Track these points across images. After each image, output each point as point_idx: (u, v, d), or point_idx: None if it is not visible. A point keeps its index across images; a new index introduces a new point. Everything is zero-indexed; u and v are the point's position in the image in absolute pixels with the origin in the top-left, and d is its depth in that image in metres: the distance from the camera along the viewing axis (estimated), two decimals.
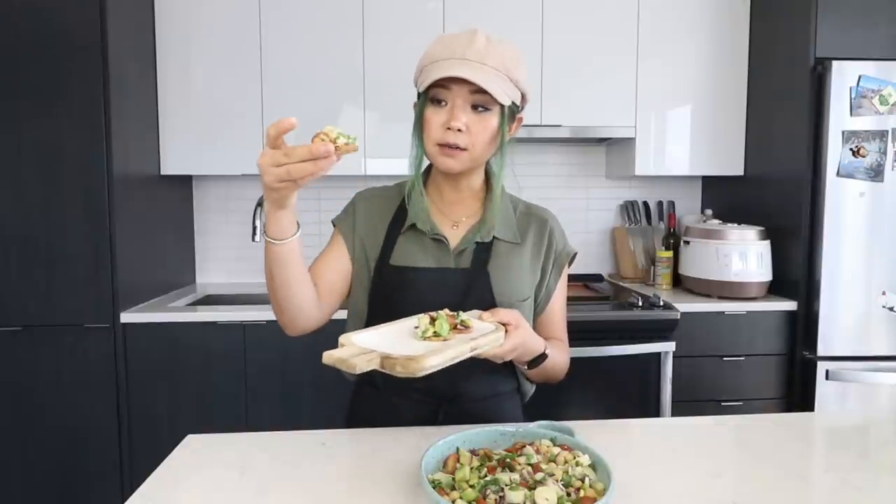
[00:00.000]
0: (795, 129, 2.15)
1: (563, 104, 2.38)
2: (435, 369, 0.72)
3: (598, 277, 2.70)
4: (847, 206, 2.07)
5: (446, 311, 0.84)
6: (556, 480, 0.70)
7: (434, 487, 0.68)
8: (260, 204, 2.39)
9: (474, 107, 0.94)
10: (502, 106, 0.95)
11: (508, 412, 1.07)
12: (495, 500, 0.65)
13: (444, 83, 0.93)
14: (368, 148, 2.36)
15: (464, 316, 0.84)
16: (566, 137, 2.47)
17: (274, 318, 2.05)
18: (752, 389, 2.19)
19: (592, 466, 0.74)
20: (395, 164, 2.38)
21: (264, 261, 0.91)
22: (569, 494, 0.68)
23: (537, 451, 0.77)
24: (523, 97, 1.01)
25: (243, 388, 2.07)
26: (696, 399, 2.16)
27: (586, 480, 0.71)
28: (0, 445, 1.99)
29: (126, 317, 2.01)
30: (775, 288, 2.27)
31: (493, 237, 1.03)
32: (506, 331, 0.85)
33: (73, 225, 1.96)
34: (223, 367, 2.05)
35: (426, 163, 1.02)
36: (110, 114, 1.95)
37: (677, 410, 2.10)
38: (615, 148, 2.66)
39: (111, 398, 2.01)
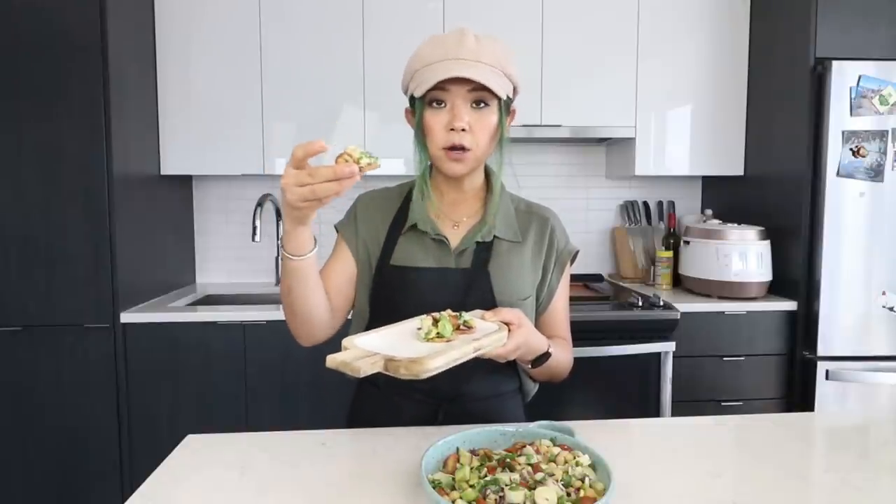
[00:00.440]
0: (795, 129, 2.15)
1: (563, 104, 2.38)
2: (439, 371, 0.72)
3: (598, 277, 2.70)
4: (847, 206, 2.07)
5: (449, 311, 0.84)
6: (556, 480, 0.69)
7: (434, 487, 0.68)
8: (260, 204, 2.39)
9: (474, 104, 0.95)
10: (500, 101, 0.96)
11: (510, 412, 1.07)
12: (495, 500, 0.65)
13: (442, 84, 0.93)
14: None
15: (466, 316, 0.84)
16: (566, 137, 2.47)
17: (274, 318, 2.06)
18: (752, 389, 2.19)
19: (592, 466, 0.74)
20: (395, 164, 2.39)
21: (281, 276, 0.92)
22: (569, 494, 0.68)
23: (537, 451, 0.77)
24: (515, 90, 1.02)
25: (243, 388, 2.07)
26: (696, 399, 2.16)
27: (586, 480, 0.71)
28: (0, 445, 2.00)
29: (126, 317, 2.01)
30: (775, 288, 2.27)
31: (494, 236, 1.03)
32: (509, 330, 0.85)
33: (73, 225, 1.96)
34: (223, 367, 2.05)
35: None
36: (110, 114, 1.95)
37: (677, 410, 2.10)
38: (615, 148, 2.66)
39: (111, 398, 2.01)
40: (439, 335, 0.80)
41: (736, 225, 2.28)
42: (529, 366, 0.98)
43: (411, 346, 0.78)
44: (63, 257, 1.96)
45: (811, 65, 2.09)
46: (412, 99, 1.00)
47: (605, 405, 2.06)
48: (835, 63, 2.04)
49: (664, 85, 2.41)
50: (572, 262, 1.11)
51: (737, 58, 2.43)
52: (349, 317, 1.10)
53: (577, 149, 2.78)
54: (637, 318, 2.06)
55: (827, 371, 2.09)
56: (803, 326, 2.16)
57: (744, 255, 2.20)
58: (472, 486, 0.68)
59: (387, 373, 0.73)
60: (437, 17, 2.33)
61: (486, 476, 0.70)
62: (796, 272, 2.17)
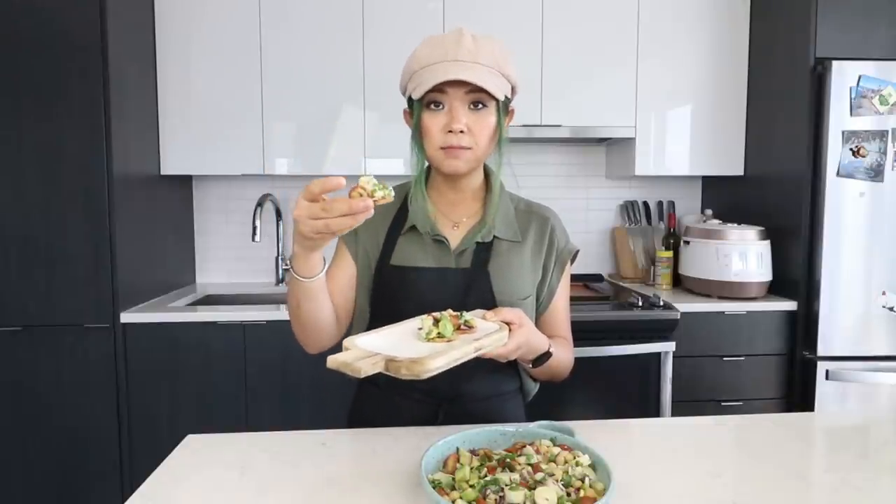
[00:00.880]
0: (795, 129, 2.15)
1: (563, 104, 2.38)
2: (440, 371, 0.72)
3: (598, 277, 2.70)
4: (847, 206, 2.07)
5: (450, 311, 0.85)
6: (556, 480, 0.69)
7: (434, 487, 0.68)
8: (260, 204, 2.39)
9: (472, 105, 0.95)
10: (498, 101, 0.96)
11: (511, 412, 1.07)
12: (495, 500, 0.65)
13: (440, 86, 0.93)
14: (368, 148, 2.37)
15: (467, 316, 0.84)
16: (566, 137, 2.47)
17: (274, 318, 2.06)
18: (752, 389, 2.19)
19: (592, 466, 0.74)
20: (395, 164, 2.39)
21: (290, 293, 0.93)
22: (569, 494, 0.68)
23: (537, 451, 0.77)
24: (513, 90, 1.02)
25: (243, 388, 2.07)
26: (696, 399, 2.16)
27: (586, 480, 0.71)
28: (0, 445, 1.99)
29: (126, 317, 2.01)
30: (775, 288, 2.27)
31: (494, 236, 1.03)
32: (509, 330, 0.85)
33: (73, 225, 1.96)
34: (223, 367, 2.05)
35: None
36: (110, 114, 1.95)
37: (677, 410, 2.10)
38: (615, 148, 2.66)
39: (111, 398, 2.01)
40: (440, 335, 0.80)
41: (736, 225, 2.28)
42: (530, 365, 0.98)
43: (412, 346, 0.78)
44: (63, 257, 1.96)
45: (811, 65, 2.09)
46: (410, 100, 1.00)
47: (605, 405, 2.06)
48: (835, 63, 2.04)
49: (664, 85, 2.41)
50: (572, 261, 1.11)
51: (737, 58, 2.43)
52: None
53: (577, 149, 2.78)
54: (637, 318, 2.06)
55: (827, 371, 2.09)
56: (803, 326, 2.16)
57: (744, 255, 2.20)
58: (472, 486, 0.68)
59: (388, 373, 0.73)
60: (437, 17, 2.33)
61: (486, 476, 0.70)
62: (796, 272, 2.16)
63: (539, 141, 2.64)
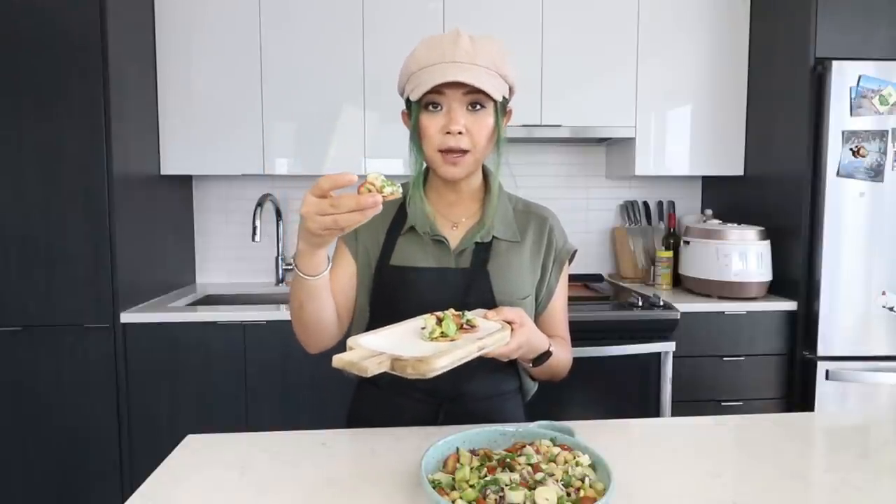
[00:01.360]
0: (795, 129, 2.15)
1: (563, 104, 2.38)
2: (444, 370, 0.72)
3: (598, 277, 2.70)
4: (847, 206, 2.07)
5: (452, 310, 0.85)
6: (556, 480, 0.70)
7: (434, 487, 0.68)
8: (260, 204, 2.39)
9: (470, 106, 0.95)
10: (496, 102, 0.96)
11: (510, 412, 1.07)
12: (495, 500, 0.65)
13: (438, 87, 0.93)
14: (368, 148, 2.37)
15: (469, 315, 0.85)
16: (566, 137, 2.47)
17: (274, 318, 2.05)
18: (752, 389, 2.19)
19: (592, 466, 0.74)
20: (395, 163, 2.39)
21: (292, 293, 0.93)
22: (569, 494, 0.68)
23: (537, 451, 0.77)
24: (511, 90, 1.02)
25: (243, 388, 2.07)
26: (696, 399, 2.16)
27: (586, 480, 0.71)
28: (0, 445, 1.99)
29: (126, 317, 2.01)
30: (775, 288, 2.27)
31: (493, 237, 1.03)
32: (511, 329, 0.85)
33: (73, 225, 1.96)
34: (223, 367, 2.05)
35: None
36: (110, 114, 1.95)
37: (677, 410, 2.10)
38: (615, 148, 2.66)
39: (111, 398, 2.01)
40: (443, 334, 0.80)
41: (736, 225, 2.28)
42: (530, 365, 0.98)
43: (416, 346, 0.78)
44: (63, 257, 1.96)
45: (811, 65, 2.09)
46: (408, 101, 1.00)
47: (605, 405, 2.06)
48: (835, 63, 2.04)
49: (664, 85, 2.41)
50: (570, 260, 1.12)
51: (737, 58, 2.43)
52: None
53: (577, 149, 2.78)
54: (637, 318, 2.06)
55: (827, 371, 2.09)
56: (803, 326, 2.16)
57: (744, 255, 2.20)
58: (472, 486, 0.68)
59: (393, 372, 0.73)
60: (437, 18, 2.33)
61: (486, 476, 0.70)
62: (796, 272, 2.16)
63: (539, 141, 2.64)
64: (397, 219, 1.06)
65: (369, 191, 0.74)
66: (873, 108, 2.04)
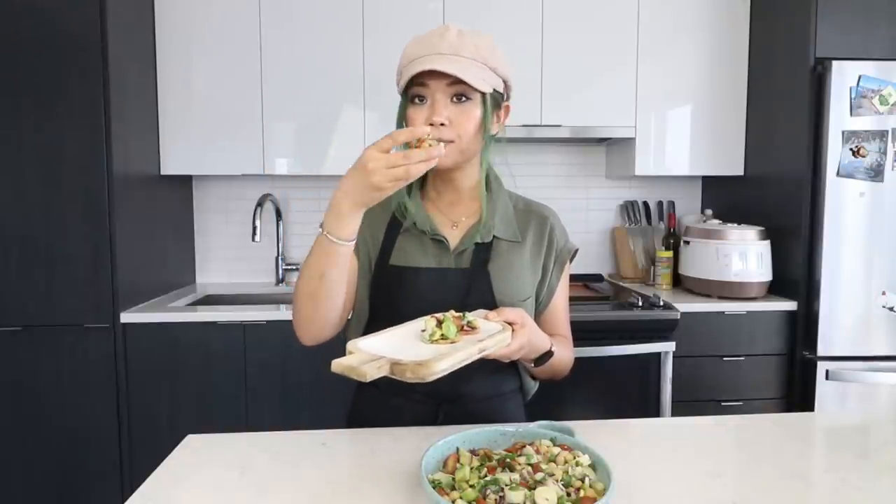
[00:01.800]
0: (795, 129, 2.15)
1: (563, 104, 2.38)
2: (444, 373, 0.72)
3: (598, 277, 2.70)
4: (847, 206, 2.07)
5: (452, 312, 0.85)
6: (556, 480, 0.69)
7: (434, 487, 0.68)
8: (260, 204, 2.39)
9: (455, 98, 0.94)
10: (483, 94, 0.95)
11: (510, 412, 1.07)
12: (495, 500, 0.65)
13: (422, 80, 0.93)
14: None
15: (470, 317, 0.84)
16: (566, 137, 2.47)
17: (274, 318, 2.05)
18: (752, 389, 2.19)
19: (592, 466, 0.74)
20: None
21: (312, 265, 0.88)
22: (569, 494, 0.68)
23: (537, 451, 0.77)
24: (507, 85, 1.01)
25: (243, 388, 2.07)
26: (696, 399, 2.16)
27: (586, 480, 0.71)
28: (0, 445, 1.99)
29: (126, 317, 2.01)
30: (775, 288, 2.27)
31: (494, 236, 1.03)
32: (512, 330, 0.85)
33: (73, 225, 1.96)
34: (223, 367, 2.05)
35: None
36: (110, 114, 1.95)
37: (677, 410, 2.10)
38: (615, 148, 2.66)
39: (111, 398, 2.01)
40: (443, 337, 0.80)
41: (736, 225, 2.28)
42: (532, 365, 0.98)
43: (416, 349, 0.78)
44: (63, 257, 1.96)
45: (811, 65, 2.09)
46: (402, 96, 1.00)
47: (605, 405, 2.06)
48: (835, 63, 2.04)
49: (664, 85, 2.41)
50: (571, 259, 1.11)
51: (737, 58, 2.43)
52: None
53: (577, 149, 2.78)
54: (637, 318, 2.06)
55: (827, 371, 2.09)
56: (803, 326, 2.16)
57: (744, 255, 2.20)
58: (472, 486, 0.68)
59: (393, 376, 0.73)
60: (437, 18, 2.33)
61: (486, 476, 0.70)
62: (796, 272, 2.16)
63: (539, 141, 2.64)
64: (397, 215, 1.05)
65: (430, 145, 0.80)
66: (873, 108, 2.04)
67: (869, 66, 2.04)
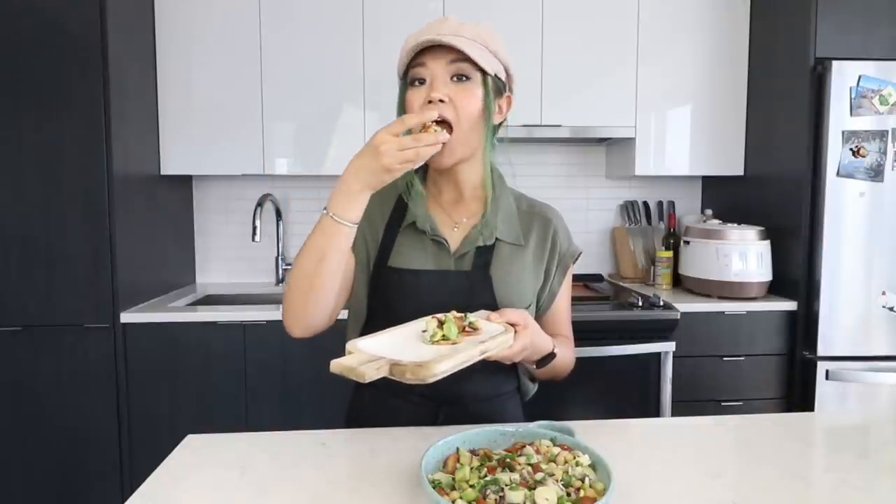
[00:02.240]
0: (795, 129, 2.15)
1: (563, 104, 2.38)
2: (445, 375, 0.72)
3: (598, 277, 2.70)
4: (847, 206, 2.07)
5: (454, 313, 0.84)
6: (556, 480, 0.69)
7: (434, 487, 0.68)
8: (260, 204, 2.39)
9: (456, 78, 0.93)
10: (485, 76, 0.94)
11: (510, 412, 1.06)
12: (495, 500, 0.65)
13: (422, 60, 0.92)
14: None
15: (472, 317, 0.83)
16: (566, 137, 2.47)
17: (274, 318, 2.04)
18: (752, 389, 2.19)
19: (592, 466, 0.74)
20: None
21: (312, 246, 0.87)
22: (569, 494, 0.68)
23: (537, 451, 0.77)
24: (508, 76, 1.00)
25: (243, 388, 2.07)
26: (696, 399, 2.16)
27: (586, 480, 0.70)
28: (0, 445, 1.99)
29: (126, 317, 2.01)
30: (775, 288, 2.27)
31: (496, 238, 1.00)
32: (514, 331, 0.84)
33: (73, 225, 1.96)
34: (223, 367, 2.05)
35: None
36: (110, 114, 1.95)
37: (677, 410, 2.10)
38: (615, 148, 2.66)
39: (111, 398, 2.01)
40: (444, 338, 0.79)
41: (736, 225, 2.28)
42: (534, 366, 0.97)
43: (416, 350, 0.77)
44: (63, 257, 1.96)
45: (811, 65, 2.09)
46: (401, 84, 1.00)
47: (605, 405, 2.06)
48: (835, 63, 2.04)
49: (664, 85, 2.41)
50: (574, 262, 1.10)
51: (737, 58, 2.43)
52: (344, 317, 1.07)
53: (577, 149, 2.78)
54: (637, 318, 2.06)
55: (827, 371, 2.09)
56: (803, 326, 2.16)
57: (744, 255, 2.20)
58: (472, 486, 0.68)
59: (392, 377, 0.72)
60: (437, 17, 2.33)
61: (486, 476, 0.70)
62: (796, 272, 2.17)
63: (539, 141, 2.64)
64: (397, 211, 1.03)
65: (435, 131, 0.85)
66: (873, 108, 2.04)
67: (869, 66, 2.04)
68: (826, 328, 2.09)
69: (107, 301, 1.99)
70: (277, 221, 2.65)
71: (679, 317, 2.08)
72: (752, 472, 0.84)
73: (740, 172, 2.47)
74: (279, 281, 2.65)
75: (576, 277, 2.60)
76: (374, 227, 1.03)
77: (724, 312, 2.17)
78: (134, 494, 0.76)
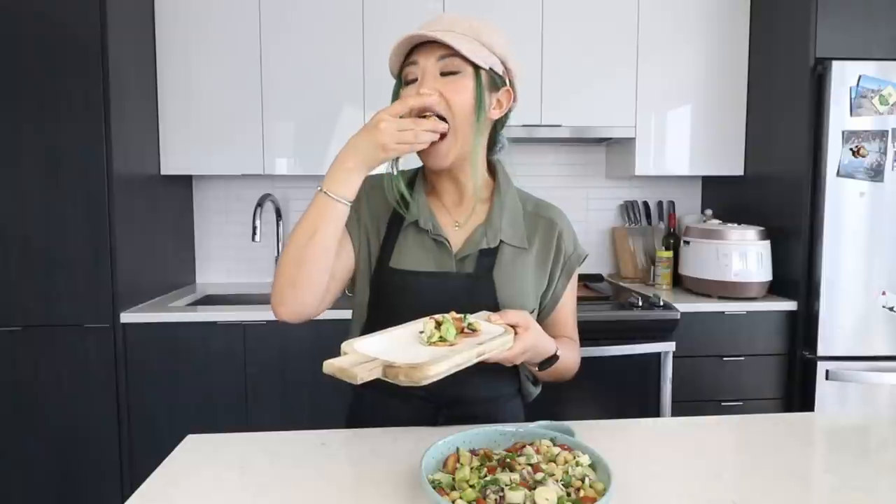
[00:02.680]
0: (795, 129, 2.15)
1: (563, 104, 2.38)
2: (439, 377, 0.70)
3: (598, 277, 2.70)
4: (847, 206, 2.07)
5: (453, 313, 0.82)
6: (556, 480, 0.69)
7: (434, 487, 0.68)
8: (260, 204, 2.39)
9: (444, 74, 0.91)
10: (477, 70, 0.92)
11: (510, 414, 1.04)
12: (495, 500, 0.65)
13: (413, 59, 0.92)
14: None
15: (471, 318, 0.82)
16: (566, 137, 2.47)
17: (274, 318, 2.04)
18: (752, 389, 2.19)
19: (592, 466, 0.74)
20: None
21: (305, 223, 0.87)
22: (569, 494, 0.68)
23: (537, 451, 0.77)
24: (507, 69, 0.97)
25: (243, 388, 2.07)
26: (696, 399, 2.16)
27: (586, 480, 0.70)
28: (0, 445, 1.99)
29: (126, 317, 2.01)
30: (775, 288, 2.27)
31: (500, 241, 0.99)
32: (515, 333, 0.83)
33: (73, 225, 1.96)
34: (223, 367, 2.05)
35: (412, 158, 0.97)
36: (110, 114, 1.95)
37: (677, 410, 2.10)
38: (615, 148, 2.66)
39: (111, 398, 2.01)
40: (442, 339, 0.78)
41: (736, 225, 2.28)
42: (536, 368, 0.96)
43: (413, 351, 0.76)
44: (63, 257, 1.96)
45: (811, 65, 2.09)
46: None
47: (605, 405, 2.06)
48: (835, 63, 2.04)
49: (664, 85, 2.41)
50: (580, 264, 1.08)
51: (737, 58, 2.43)
52: (346, 317, 1.07)
53: (577, 149, 2.78)
54: (637, 318, 2.06)
55: (827, 371, 2.09)
56: (803, 326, 2.16)
57: (744, 255, 2.20)
58: (472, 486, 0.68)
59: (386, 379, 0.71)
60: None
61: (486, 476, 0.70)
62: (796, 272, 2.16)
63: (539, 141, 2.64)
64: (398, 212, 1.01)
65: (437, 121, 0.88)
66: (873, 108, 2.04)
67: (869, 66, 2.04)
68: (826, 328, 2.09)
69: (107, 301, 1.99)
70: (277, 221, 2.65)
71: (679, 317, 2.08)
72: (752, 472, 0.84)
73: (740, 172, 2.47)
74: None
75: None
76: (376, 224, 1.02)
77: (724, 312, 2.17)
78: (134, 494, 0.76)
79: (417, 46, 0.93)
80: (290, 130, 2.35)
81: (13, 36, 1.90)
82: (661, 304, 2.08)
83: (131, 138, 2.11)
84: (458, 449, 0.78)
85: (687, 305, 2.14)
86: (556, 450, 0.77)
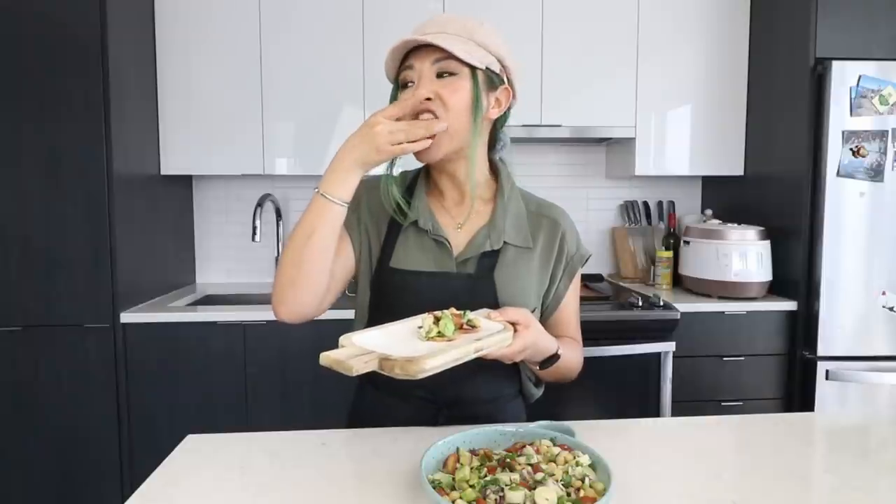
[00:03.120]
0: (795, 129, 2.15)
1: (563, 104, 2.38)
2: (435, 371, 0.70)
3: (598, 277, 2.70)
4: (847, 206, 2.07)
5: (452, 310, 0.82)
6: (556, 480, 0.69)
7: (434, 487, 0.68)
8: (260, 204, 2.39)
9: (440, 76, 0.91)
10: (473, 71, 0.92)
11: (511, 415, 1.04)
12: (495, 500, 0.65)
13: (409, 63, 0.93)
14: None
15: (471, 315, 0.82)
16: (566, 137, 2.47)
17: (274, 318, 2.04)
18: (752, 389, 2.19)
19: (592, 466, 0.74)
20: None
21: (303, 224, 0.88)
22: (569, 494, 0.68)
23: (537, 451, 0.77)
24: (504, 67, 0.97)
25: (243, 388, 2.07)
26: (696, 399, 2.16)
27: (586, 480, 0.70)
28: (0, 445, 1.99)
29: (126, 317, 2.01)
30: (775, 288, 2.27)
31: (504, 241, 0.98)
32: (515, 330, 0.83)
33: (73, 225, 1.96)
34: (223, 367, 2.05)
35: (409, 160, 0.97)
36: (110, 114, 1.95)
37: (677, 410, 2.10)
38: (615, 148, 2.66)
39: (111, 398, 2.01)
40: (440, 334, 0.78)
41: (736, 225, 2.28)
42: (537, 367, 0.95)
43: (410, 345, 0.76)
44: (63, 257, 1.96)
45: (811, 65, 2.09)
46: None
47: (605, 405, 2.06)
48: (835, 63, 2.04)
49: (664, 85, 2.41)
50: (583, 265, 1.07)
51: (737, 58, 2.43)
52: (346, 317, 1.07)
53: (577, 149, 2.78)
54: (637, 318, 2.06)
55: (827, 371, 2.09)
56: (803, 326, 2.16)
57: (744, 255, 2.20)
58: (472, 486, 0.68)
59: (381, 372, 0.71)
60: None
61: (486, 476, 0.70)
62: (796, 272, 2.16)
63: (539, 141, 2.64)
64: (392, 214, 1.00)
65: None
66: (873, 108, 2.04)
67: (869, 66, 2.04)
68: (826, 328, 2.09)
69: (107, 301, 1.99)
70: (277, 221, 2.65)
71: (679, 317, 2.08)
72: (752, 472, 0.84)
73: (740, 172, 2.47)
74: None
75: None
76: (376, 224, 1.02)
77: (724, 312, 2.17)
78: (134, 494, 0.76)
79: (413, 50, 0.94)
80: (290, 130, 2.35)
81: (13, 36, 1.90)
82: (661, 304, 2.08)
83: (131, 138, 2.11)
84: (458, 449, 0.78)
85: (687, 305, 2.14)
86: (556, 450, 0.77)
